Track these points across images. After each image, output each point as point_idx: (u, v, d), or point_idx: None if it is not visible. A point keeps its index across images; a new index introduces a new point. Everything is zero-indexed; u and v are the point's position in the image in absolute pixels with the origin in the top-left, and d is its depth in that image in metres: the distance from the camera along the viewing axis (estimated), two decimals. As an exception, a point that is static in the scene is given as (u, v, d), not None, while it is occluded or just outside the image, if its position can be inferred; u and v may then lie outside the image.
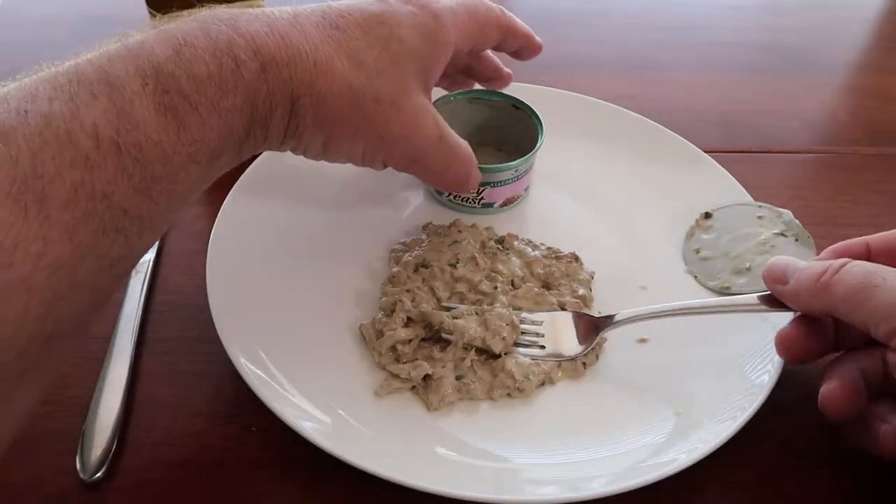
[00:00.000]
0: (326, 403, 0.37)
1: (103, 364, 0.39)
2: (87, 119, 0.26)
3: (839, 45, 0.76)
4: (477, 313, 0.41)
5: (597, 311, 0.44)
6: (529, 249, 0.47)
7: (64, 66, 0.28)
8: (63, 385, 0.39)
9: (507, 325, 0.40)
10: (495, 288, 0.43)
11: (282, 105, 0.33)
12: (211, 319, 0.39)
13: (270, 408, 0.35)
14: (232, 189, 0.47)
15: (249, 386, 0.36)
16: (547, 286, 0.44)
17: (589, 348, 0.40)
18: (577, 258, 0.46)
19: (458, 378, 0.39)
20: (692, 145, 0.54)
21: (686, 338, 0.41)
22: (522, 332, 0.41)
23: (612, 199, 0.51)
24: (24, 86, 0.27)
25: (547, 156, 0.50)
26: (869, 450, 0.35)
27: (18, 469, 0.35)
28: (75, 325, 0.28)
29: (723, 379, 0.39)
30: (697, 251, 0.47)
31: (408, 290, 0.42)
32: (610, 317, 0.41)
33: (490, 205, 0.49)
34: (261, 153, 0.44)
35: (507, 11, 0.42)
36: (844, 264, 0.35)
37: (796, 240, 0.46)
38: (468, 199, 0.49)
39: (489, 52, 0.47)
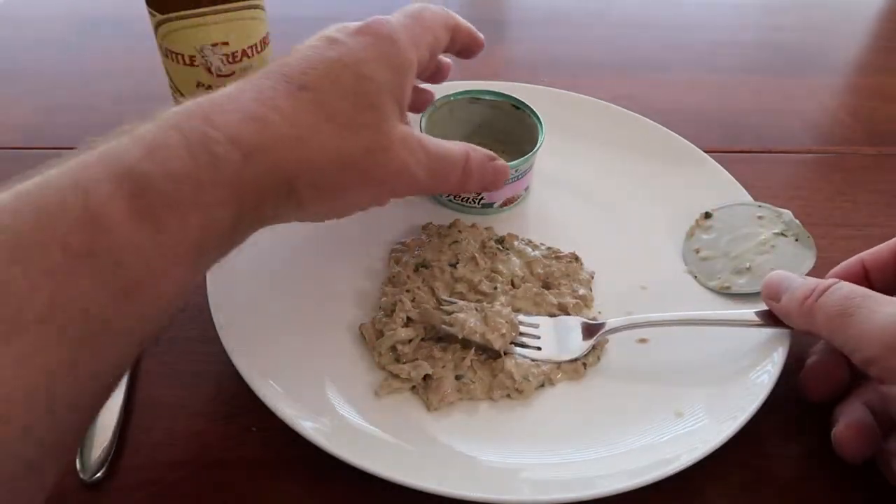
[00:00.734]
0: (326, 403, 0.37)
1: (103, 364, 0.39)
2: (58, 229, 0.25)
3: (839, 44, 0.76)
4: (477, 310, 0.41)
5: (597, 310, 0.44)
6: (529, 249, 0.47)
7: (34, 179, 0.27)
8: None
9: (507, 322, 0.40)
10: (495, 288, 0.43)
11: (273, 189, 0.32)
12: (211, 319, 0.39)
13: (270, 408, 0.35)
14: (232, 189, 0.47)
15: (249, 386, 0.36)
16: (547, 286, 0.44)
17: (583, 353, 0.41)
18: (577, 258, 0.46)
19: (457, 378, 0.39)
20: (692, 145, 0.54)
21: (686, 338, 0.41)
22: (521, 334, 0.41)
23: (612, 199, 0.51)
24: None
25: (547, 156, 0.50)
26: (892, 483, 0.35)
27: (18, 469, 0.35)
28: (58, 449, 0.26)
29: (723, 379, 0.39)
30: (697, 251, 0.47)
31: (408, 290, 0.42)
32: (601, 324, 0.41)
33: (490, 205, 0.49)
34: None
35: (448, 10, 0.41)
36: (829, 286, 0.35)
37: (796, 240, 0.46)
38: (468, 199, 0.49)
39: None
